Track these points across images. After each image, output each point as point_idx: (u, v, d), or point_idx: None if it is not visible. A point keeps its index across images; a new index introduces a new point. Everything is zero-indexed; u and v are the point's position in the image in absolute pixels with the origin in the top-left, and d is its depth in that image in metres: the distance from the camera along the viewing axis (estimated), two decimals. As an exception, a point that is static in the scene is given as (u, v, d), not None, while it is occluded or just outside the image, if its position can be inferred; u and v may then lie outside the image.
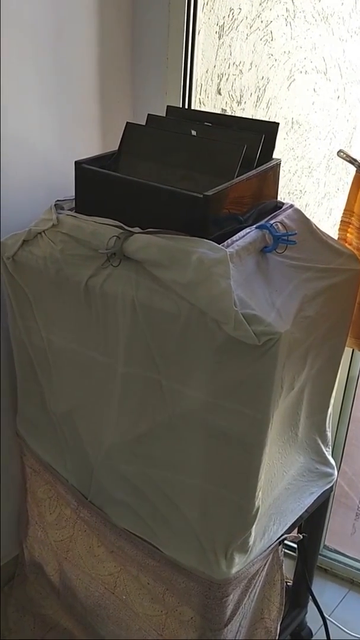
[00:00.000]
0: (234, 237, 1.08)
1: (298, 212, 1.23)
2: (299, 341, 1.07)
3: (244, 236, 1.09)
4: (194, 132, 1.16)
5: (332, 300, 1.16)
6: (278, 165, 1.19)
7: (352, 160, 1.28)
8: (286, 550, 1.67)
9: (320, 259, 1.18)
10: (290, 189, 2.02)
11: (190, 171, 1.12)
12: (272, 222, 1.16)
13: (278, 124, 1.18)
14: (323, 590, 1.76)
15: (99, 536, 1.34)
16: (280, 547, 1.26)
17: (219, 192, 1.03)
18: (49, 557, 1.53)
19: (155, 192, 1.06)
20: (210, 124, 1.20)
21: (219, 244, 1.05)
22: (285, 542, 1.28)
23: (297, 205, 2.04)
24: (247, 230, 1.12)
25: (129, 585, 1.34)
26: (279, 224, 1.15)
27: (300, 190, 2.06)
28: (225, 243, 1.06)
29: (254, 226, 1.13)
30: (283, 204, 1.25)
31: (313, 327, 1.12)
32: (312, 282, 1.14)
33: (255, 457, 1.06)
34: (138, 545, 1.24)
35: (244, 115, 1.76)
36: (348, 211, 1.33)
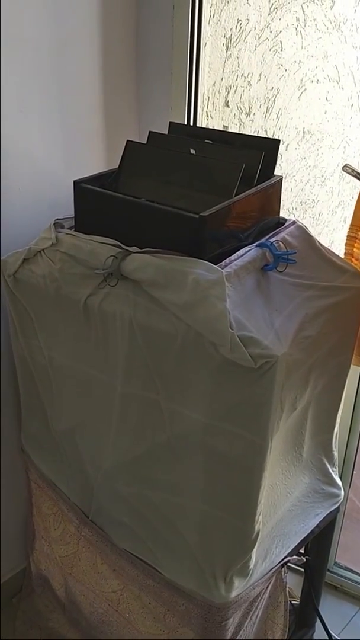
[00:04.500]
0: (233, 257, 1.07)
1: (300, 229, 1.21)
2: (300, 362, 1.05)
3: (243, 255, 1.08)
4: (193, 151, 1.15)
5: (335, 318, 1.14)
6: (279, 182, 1.17)
7: (357, 175, 1.26)
8: (296, 566, 1.65)
9: (323, 277, 1.16)
10: (303, 199, 1.99)
11: (189, 190, 1.11)
12: (273, 239, 1.14)
13: (279, 140, 1.16)
14: (333, 608, 1.73)
15: (101, 554, 1.33)
16: (283, 569, 1.24)
17: (215, 212, 1.01)
18: (55, 571, 1.52)
19: (151, 212, 1.05)
20: (210, 142, 1.19)
21: (218, 263, 1.04)
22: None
23: (309, 214, 2.00)
24: (247, 248, 1.10)
25: (132, 603, 1.33)
26: (279, 241, 1.13)
27: (313, 200, 2.04)
28: (223, 262, 1.05)
29: (255, 244, 1.11)
30: (286, 220, 1.23)
31: (315, 347, 1.09)
32: (314, 301, 1.12)
33: (254, 480, 1.05)
34: (138, 566, 1.23)
35: (253, 127, 1.75)
36: (355, 226, 1.31)
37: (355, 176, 1.26)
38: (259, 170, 1.13)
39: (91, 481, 1.25)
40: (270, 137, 1.24)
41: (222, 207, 1.03)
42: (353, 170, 1.26)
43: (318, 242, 1.21)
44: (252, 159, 1.11)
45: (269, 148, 1.15)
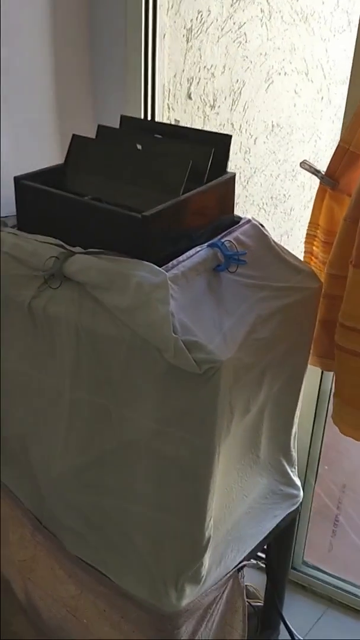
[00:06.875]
0: (181, 257, 1.04)
1: (255, 228, 1.17)
2: (250, 365, 1.03)
3: (192, 256, 1.05)
4: (139, 146, 1.11)
5: (289, 319, 1.11)
6: (232, 179, 1.14)
7: (315, 172, 1.23)
8: (262, 564, 1.62)
9: (277, 277, 1.13)
10: (273, 194, 1.96)
11: (137, 187, 1.07)
12: (225, 239, 1.11)
13: (230, 136, 1.13)
14: (300, 608, 1.71)
15: (57, 559, 1.31)
16: (240, 573, 1.22)
17: (159, 211, 0.98)
18: (15, 575, 1.50)
19: (94, 211, 1.01)
20: (160, 136, 1.15)
21: (165, 264, 1.01)
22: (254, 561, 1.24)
23: (281, 209, 1.96)
24: (197, 249, 1.07)
25: (89, 609, 1.30)
26: (232, 241, 1.10)
27: (284, 195, 2.00)
28: (170, 264, 1.02)
29: (205, 244, 1.08)
30: (241, 218, 1.20)
31: (267, 349, 1.07)
32: (268, 302, 1.09)
33: (202, 485, 1.02)
34: (91, 573, 1.20)
35: (218, 120, 1.71)
36: (313, 224, 1.28)
37: (312, 172, 1.23)
38: (209, 167, 1.09)
39: (42, 487, 1.22)
40: (223, 132, 1.20)
41: (167, 206, 0.99)
42: (310, 167, 1.23)
43: (273, 241, 1.18)
44: (202, 156, 1.08)
45: (220, 143, 1.11)
